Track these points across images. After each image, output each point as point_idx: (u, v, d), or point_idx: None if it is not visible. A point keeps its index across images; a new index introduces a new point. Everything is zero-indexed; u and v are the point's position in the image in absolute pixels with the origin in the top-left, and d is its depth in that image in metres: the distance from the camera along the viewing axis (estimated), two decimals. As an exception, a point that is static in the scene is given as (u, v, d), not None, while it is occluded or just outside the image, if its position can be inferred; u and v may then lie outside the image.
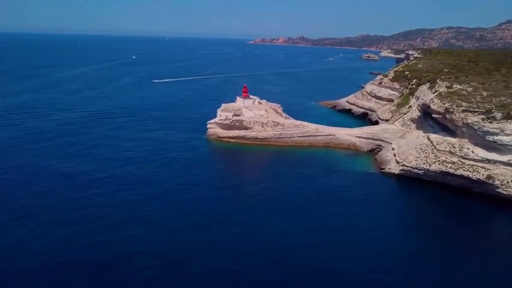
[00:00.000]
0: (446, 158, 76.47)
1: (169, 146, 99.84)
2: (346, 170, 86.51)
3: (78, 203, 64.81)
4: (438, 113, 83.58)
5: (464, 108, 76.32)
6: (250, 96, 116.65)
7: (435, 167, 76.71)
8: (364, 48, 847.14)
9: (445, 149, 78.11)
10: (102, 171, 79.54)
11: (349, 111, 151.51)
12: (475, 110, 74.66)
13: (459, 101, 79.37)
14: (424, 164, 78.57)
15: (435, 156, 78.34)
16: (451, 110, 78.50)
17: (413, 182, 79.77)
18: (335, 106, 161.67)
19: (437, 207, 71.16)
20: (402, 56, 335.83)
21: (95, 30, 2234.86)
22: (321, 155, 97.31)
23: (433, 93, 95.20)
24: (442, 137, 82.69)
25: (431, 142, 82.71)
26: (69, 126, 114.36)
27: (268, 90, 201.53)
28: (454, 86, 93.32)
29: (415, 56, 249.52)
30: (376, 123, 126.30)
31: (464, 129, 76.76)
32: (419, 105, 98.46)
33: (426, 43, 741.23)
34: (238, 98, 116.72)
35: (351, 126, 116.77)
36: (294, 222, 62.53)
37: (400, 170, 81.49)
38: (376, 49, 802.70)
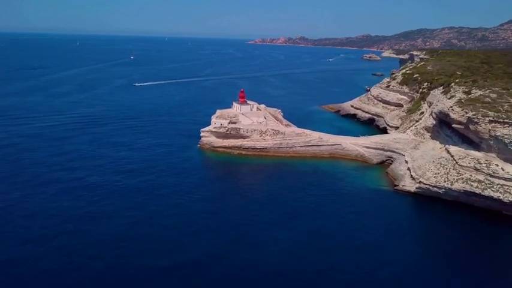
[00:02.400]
0: (470, 176, 66.73)
1: (158, 156, 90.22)
2: (354, 186, 76.91)
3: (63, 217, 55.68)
4: (459, 122, 73.92)
5: (491, 119, 66.67)
6: (248, 101, 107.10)
7: (458, 185, 67.01)
8: (365, 49, 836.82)
9: (469, 165, 68.37)
10: (80, 184, 70.33)
11: (354, 116, 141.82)
12: (505, 120, 65.03)
13: (484, 110, 69.78)
14: (444, 181, 68.79)
15: (457, 173, 68.61)
16: (476, 120, 68.82)
17: (432, 202, 70.01)
18: (339, 111, 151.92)
19: (462, 233, 61.51)
20: (406, 56, 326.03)
21: (94, 30, 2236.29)
22: (326, 167, 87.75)
23: (449, 98, 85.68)
24: (463, 150, 73.07)
25: (452, 156, 73.04)
26: (51, 133, 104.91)
27: (268, 92, 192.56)
28: (473, 91, 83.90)
29: (420, 57, 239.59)
30: (384, 130, 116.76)
31: (491, 142, 67.18)
32: (434, 113, 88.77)
33: (427, 43, 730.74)
34: (234, 103, 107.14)
35: (356, 134, 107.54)
36: (293, 245, 54.73)
37: (416, 188, 71.75)
38: (377, 49, 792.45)
